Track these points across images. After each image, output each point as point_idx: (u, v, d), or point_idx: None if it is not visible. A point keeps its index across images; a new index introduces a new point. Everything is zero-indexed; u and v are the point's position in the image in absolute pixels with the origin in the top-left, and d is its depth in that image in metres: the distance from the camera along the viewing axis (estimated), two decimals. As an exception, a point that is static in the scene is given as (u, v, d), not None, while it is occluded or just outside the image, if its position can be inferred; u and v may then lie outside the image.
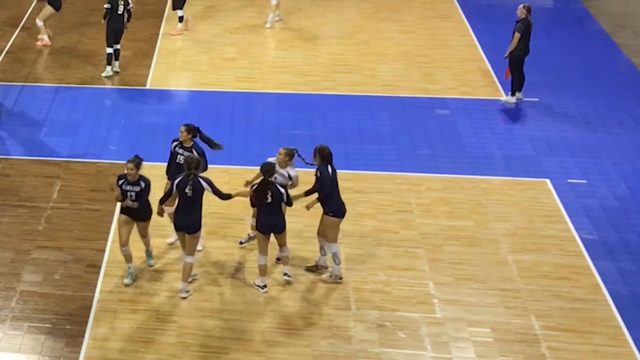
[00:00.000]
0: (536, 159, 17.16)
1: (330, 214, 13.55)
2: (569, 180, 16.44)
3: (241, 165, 16.91)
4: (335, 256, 13.68)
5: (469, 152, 17.38)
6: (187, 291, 13.56)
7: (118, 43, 20.25)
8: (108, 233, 15.02)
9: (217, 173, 16.68)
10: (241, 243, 14.65)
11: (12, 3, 24.29)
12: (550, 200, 15.87)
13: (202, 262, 14.31)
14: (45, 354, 12.57)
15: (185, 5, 22.17)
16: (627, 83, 20.11)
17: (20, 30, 22.68)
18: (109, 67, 20.35)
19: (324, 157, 13.55)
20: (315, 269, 13.99)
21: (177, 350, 12.60)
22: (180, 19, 22.22)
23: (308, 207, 13.70)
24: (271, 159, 13.78)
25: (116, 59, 20.45)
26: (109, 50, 20.13)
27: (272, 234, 13.46)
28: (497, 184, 16.39)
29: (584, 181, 16.43)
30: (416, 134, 18.04)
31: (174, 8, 22.17)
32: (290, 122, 18.43)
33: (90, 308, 13.35)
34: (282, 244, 13.64)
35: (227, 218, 15.39)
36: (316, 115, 18.77)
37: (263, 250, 13.52)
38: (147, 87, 20.12)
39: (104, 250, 14.59)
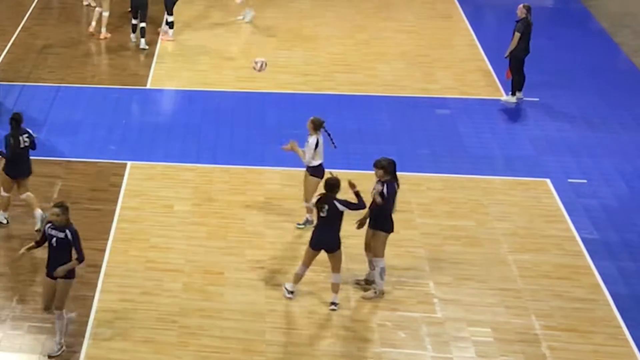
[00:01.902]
0: (537, 158, 17.16)
1: (382, 230, 13.31)
2: (570, 180, 16.44)
3: (242, 165, 16.92)
4: (382, 272, 13.38)
5: (469, 152, 17.39)
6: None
7: (136, 18, 21.48)
8: (108, 233, 15.03)
9: (218, 173, 16.73)
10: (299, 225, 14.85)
11: (13, 3, 24.30)
12: (550, 200, 15.88)
13: (203, 262, 14.32)
14: (46, 354, 12.55)
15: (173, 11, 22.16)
16: (628, 83, 20.11)
17: (21, 30, 22.69)
18: (132, 35, 21.85)
19: (393, 172, 13.28)
20: (365, 283, 13.74)
21: (178, 350, 12.60)
22: (168, 23, 22.19)
23: (360, 225, 13.44)
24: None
25: (142, 36, 21.61)
26: (133, 21, 21.79)
27: (323, 251, 13.12)
28: (498, 184, 16.39)
29: (585, 181, 16.43)
30: (417, 133, 18.04)
31: (168, 13, 22.16)
32: (291, 122, 18.42)
33: (90, 308, 13.35)
34: (334, 269, 13.12)
35: (228, 218, 15.39)
36: (317, 115, 18.72)
37: (307, 262, 13.22)
38: (148, 86, 20.13)
39: (104, 250, 14.59)
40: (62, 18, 23.38)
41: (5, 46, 21.79)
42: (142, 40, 21.59)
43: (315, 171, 14.71)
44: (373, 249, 13.42)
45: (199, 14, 23.75)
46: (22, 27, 22.84)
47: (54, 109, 19.07)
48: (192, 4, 24.24)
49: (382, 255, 13.37)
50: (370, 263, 13.60)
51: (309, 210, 14.78)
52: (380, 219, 13.28)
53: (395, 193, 13.24)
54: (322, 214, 12.94)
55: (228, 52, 21.53)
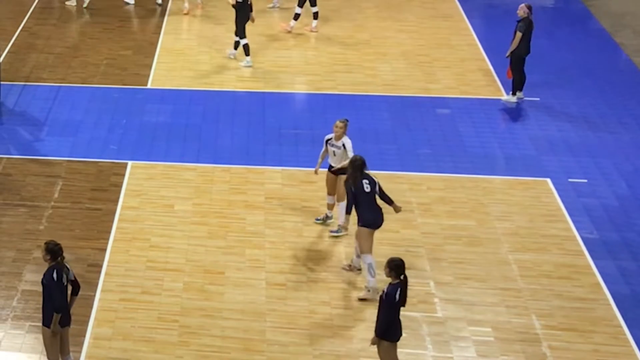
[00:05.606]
0: (537, 158, 17.17)
1: (360, 224, 13.43)
2: (570, 180, 16.45)
3: (242, 164, 16.92)
4: (370, 267, 13.33)
5: (469, 152, 17.39)
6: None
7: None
8: (109, 232, 15.04)
9: (219, 172, 16.73)
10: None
11: (14, 3, 24.30)
12: (551, 200, 15.88)
13: (203, 262, 14.33)
14: (47, 353, 12.58)
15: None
16: (628, 82, 20.11)
17: (21, 30, 22.69)
18: (248, 58, 20.55)
19: (354, 168, 13.51)
20: (348, 268, 13.97)
21: (179, 349, 12.61)
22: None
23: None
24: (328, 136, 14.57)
25: (236, 48, 20.84)
26: (244, 41, 20.47)
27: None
28: (498, 184, 16.40)
29: (585, 180, 16.43)
30: (417, 133, 18.04)
31: (312, 5, 22.27)
32: (292, 121, 18.44)
33: (91, 307, 13.37)
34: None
35: (228, 217, 15.40)
36: (317, 114, 18.77)
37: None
38: (148, 86, 20.12)
39: (105, 250, 14.61)
40: (62, 18, 23.38)
41: (6, 46, 21.78)
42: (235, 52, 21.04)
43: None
44: (358, 246, 13.61)
45: (199, 14, 23.74)
46: (22, 27, 22.83)
47: (55, 109, 19.07)
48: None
49: (367, 251, 13.39)
50: (357, 249, 13.76)
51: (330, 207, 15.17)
52: (357, 214, 13.52)
53: (351, 190, 13.46)
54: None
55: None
